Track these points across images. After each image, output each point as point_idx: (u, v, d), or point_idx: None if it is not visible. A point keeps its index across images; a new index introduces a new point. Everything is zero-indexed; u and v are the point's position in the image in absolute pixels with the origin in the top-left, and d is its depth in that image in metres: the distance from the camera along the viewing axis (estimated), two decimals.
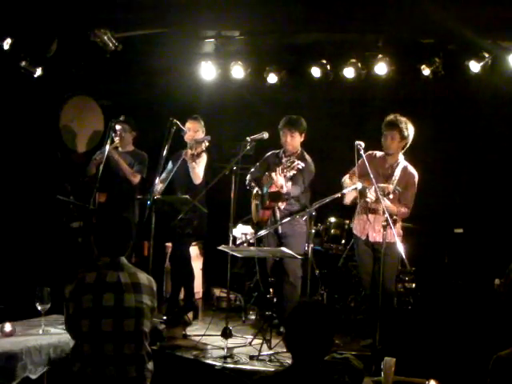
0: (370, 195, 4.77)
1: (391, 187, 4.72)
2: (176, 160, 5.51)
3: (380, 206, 4.74)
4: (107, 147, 5.43)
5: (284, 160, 5.04)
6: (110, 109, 6.69)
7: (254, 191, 5.35)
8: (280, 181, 4.87)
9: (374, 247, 4.88)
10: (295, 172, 4.88)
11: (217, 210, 5.67)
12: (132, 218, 5.66)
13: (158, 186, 5.41)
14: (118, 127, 5.69)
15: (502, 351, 2.56)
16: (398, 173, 4.86)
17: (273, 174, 4.94)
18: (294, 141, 5.15)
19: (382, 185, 4.77)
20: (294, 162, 4.83)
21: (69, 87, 6.47)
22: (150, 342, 3.06)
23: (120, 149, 5.77)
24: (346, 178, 5.00)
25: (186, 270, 5.53)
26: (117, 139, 5.70)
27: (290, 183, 4.94)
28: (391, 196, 4.70)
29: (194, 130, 5.50)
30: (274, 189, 5.01)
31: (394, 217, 4.72)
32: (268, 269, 5.36)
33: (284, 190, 4.93)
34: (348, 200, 4.96)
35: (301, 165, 4.83)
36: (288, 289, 5.10)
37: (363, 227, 4.97)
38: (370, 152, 5.04)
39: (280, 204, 5.12)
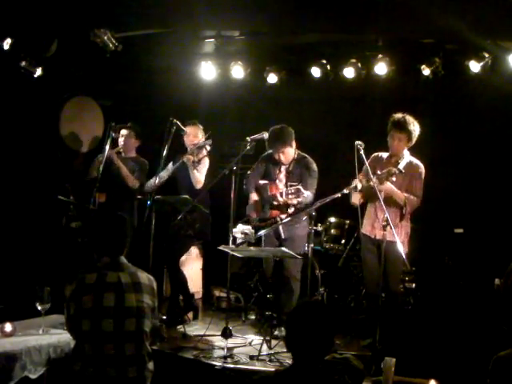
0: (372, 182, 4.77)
1: (394, 169, 4.71)
2: (179, 166, 5.52)
3: (388, 203, 4.74)
4: (107, 147, 5.44)
5: (286, 190, 4.92)
6: (110, 109, 6.69)
7: (252, 200, 5.30)
8: (287, 199, 4.89)
9: (381, 245, 4.86)
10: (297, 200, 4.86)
11: (217, 210, 5.67)
12: (131, 219, 5.68)
13: (155, 181, 5.40)
14: (123, 132, 5.71)
15: (502, 351, 2.56)
16: (402, 165, 4.86)
17: (278, 197, 4.96)
18: (287, 155, 5.13)
19: (384, 170, 4.77)
20: (299, 190, 4.74)
21: (69, 87, 6.46)
22: (150, 342, 3.06)
23: (123, 154, 5.78)
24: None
25: (177, 273, 5.52)
26: (121, 143, 5.71)
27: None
28: (394, 178, 4.70)
29: (193, 135, 5.52)
30: (276, 202, 5.03)
31: (407, 209, 4.79)
32: (266, 270, 5.33)
33: (295, 202, 4.93)
34: (355, 200, 4.93)
35: (305, 193, 4.77)
36: (286, 294, 5.08)
37: (372, 225, 4.98)
38: (375, 154, 5.07)
39: (283, 216, 5.10)
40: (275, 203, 5.04)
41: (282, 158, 5.12)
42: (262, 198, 5.22)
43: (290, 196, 4.83)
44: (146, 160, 5.83)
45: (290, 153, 5.14)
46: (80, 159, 6.44)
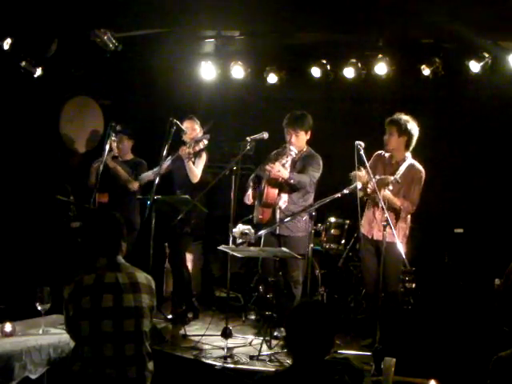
0: (369, 187, 4.78)
1: (391, 178, 4.72)
2: (175, 159, 5.54)
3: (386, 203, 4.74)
4: (107, 147, 5.46)
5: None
6: (109, 109, 6.69)
7: (249, 191, 5.28)
8: (277, 167, 4.87)
9: (378, 246, 4.87)
10: (288, 159, 4.92)
11: (217, 210, 5.67)
12: (135, 219, 5.71)
13: (151, 173, 5.48)
14: (115, 138, 5.72)
15: (502, 351, 2.56)
16: (402, 169, 4.87)
17: (267, 166, 4.95)
18: (298, 141, 5.10)
19: (382, 176, 4.78)
20: (285, 147, 4.81)
21: (69, 87, 6.46)
22: (150, 342, 3.05)
23: (120, 158, 5.81)
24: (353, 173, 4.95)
25: (182, 271, 5.54)
26: (115, 148, 5.73)
27: (287, 170, 4.94)
28: (391, 187, 4.71)
29: (191, 129, 5.55)
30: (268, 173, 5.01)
31: (401, 214, 4.80)
32: (266, 270, 5.31)
33: (285, 175, 4.90)
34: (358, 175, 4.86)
35: (293, 151, 4.84)
36: (287, 298, 5.06)
37: (369, 225, 4.98)
38: (378, 152, 5.09)
39: (281, 203, 5.08)
40: (269, 176, 4.99)
41: (294, 139, 5.07)
42: (260, 185, 5.22)
43: (279, 158, 4.92)
44: (142, 160, 5.86)
45: (302, 139, 5.12)
46: (78, 159, 6.45)
